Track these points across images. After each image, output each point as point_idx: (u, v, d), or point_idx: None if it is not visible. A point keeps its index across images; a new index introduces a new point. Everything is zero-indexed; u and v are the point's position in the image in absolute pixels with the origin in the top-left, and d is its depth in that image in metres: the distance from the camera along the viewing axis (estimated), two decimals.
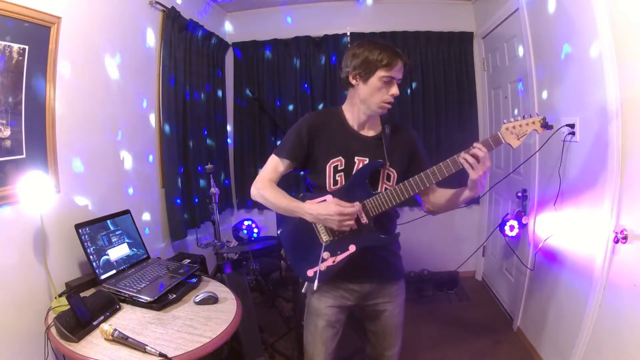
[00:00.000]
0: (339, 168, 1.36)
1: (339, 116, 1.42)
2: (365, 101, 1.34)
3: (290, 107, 3.31)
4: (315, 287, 1.36)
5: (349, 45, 1.37)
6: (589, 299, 1.68)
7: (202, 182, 2.73)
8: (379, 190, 1.37)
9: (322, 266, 1.36)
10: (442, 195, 1.43)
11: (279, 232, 1.51)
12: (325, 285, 1.41)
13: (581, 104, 1.79)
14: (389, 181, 1.39)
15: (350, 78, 1.34)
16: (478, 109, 3.27)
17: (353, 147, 1.37)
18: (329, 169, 1.37)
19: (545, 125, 1.26)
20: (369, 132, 1.42)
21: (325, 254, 1.36)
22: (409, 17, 3.20)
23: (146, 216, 2.25)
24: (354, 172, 1.36)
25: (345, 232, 1.33)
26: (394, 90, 1.32)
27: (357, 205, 1.29)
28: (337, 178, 1.37)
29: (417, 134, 1.50)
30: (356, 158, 1.37)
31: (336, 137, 1.38)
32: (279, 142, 1.43)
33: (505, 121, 1.28)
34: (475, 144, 1.25)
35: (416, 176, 1.30)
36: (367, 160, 1.36)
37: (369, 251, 1.37)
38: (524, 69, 2.39)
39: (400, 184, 1.31)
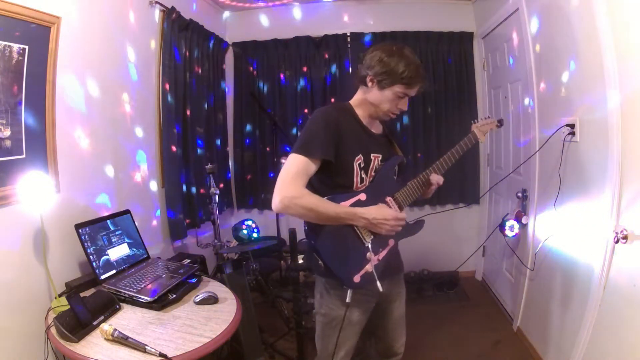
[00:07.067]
0: (362, 166, 1.34)
1: (351, 112, 1.39)
2: (374, 105, 1.36)
3: (290, 107, 3.30)
4: (381, 288, 1.29)
5: (375, 45, 1.35)
6: (589, 299, 1.68)
7: (202, 182, 2.73)
8: None
9: (370, 267, 1.30)
10: None
11: (314, 243, 1.33)
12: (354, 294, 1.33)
13: (581, 104, 1.79)
14: (395, 176, 1.45)
15: (368, 80, 1.33)
16: (478, 109, 3.27)
17: (369, 144, 1.37)
18: (356, 166, 1.32)
19: (499, 125, 1.61)
20: (377, 130, 1.45)
21: (369, 254, 1.31)
22: (409, 17, 3.20)
23: (146, 216, 2.25)
24: (370, 169, 1.36)
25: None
26: (404, 106, 1.36)
27: (397, 204, 1.36)
28: (362, 176, 1.35)
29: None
30: (372, 155, 1.37)
31: (354, 133, 1.35)
32: (300, 141, 1.28)
33: (473, 121, 1.56)
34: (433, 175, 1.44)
35: (437, 162, 1.43)
36: (380, 157, 1.38)
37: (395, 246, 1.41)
38: (524, 69, 2.39)
39: (424, 172, 1.42)
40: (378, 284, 1.29)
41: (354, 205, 1.28)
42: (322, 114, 1.32)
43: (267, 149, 3.35)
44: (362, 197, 1.31)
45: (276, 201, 1.21)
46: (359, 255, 1.30)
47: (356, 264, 1.30)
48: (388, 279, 1.44)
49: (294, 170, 1.23)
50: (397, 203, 1.36)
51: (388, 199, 1.35)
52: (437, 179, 1.43)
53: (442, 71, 3.22)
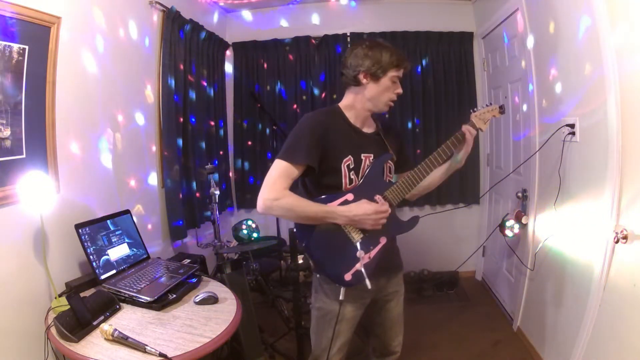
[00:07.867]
0: (351, 166, 1.36)
1: (340, 115, 1.42)
2: (374, 99, 1.38)
3: (290, 108, 3.31)
4: (369, 286, 1.30)
5: (351, 45, 1.41)
6: (589, 299, 1.68)
7: (202, 182, 2.73)
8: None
9: (360, 265, 1.31)
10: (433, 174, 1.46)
11: (305, 244, 1.38)
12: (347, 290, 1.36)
13: (581, 104, 1.79)
14: (390, 173, 1.45)
15: (361, 77, 1.35)
16: (478, 109, 3.26)
17: (359, 144, 1.39)
18: (344, 168, 1.35)
19: (502, 111, 1.55)
20: (369, 129, 1.45)
21: (359, 253, 1.31)
22: (409, 17, 3.20)
23: (146, 216, 2.25)
24: (362, 168, 1.37)
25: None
26: (400, 89, 1.39)
27: (387, 202, 1.35)
28: (351, 177, 1.36)
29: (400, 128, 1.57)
30: (362, 155, 1.38)
31: (343, 135, 1.38)
32: (284, 147, 1.34)
33: (472, 110, 1.52)
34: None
35: (430, 156, 1.39)
36: (371, 157, 1.39)
37: (389, 243, 1.41)
38: (524, 69, 2.39)
39: (416, 168, 1.39)
40: (367, 282, 1.30)
41: (341, 205, 1.32)
42: (308, 119, 1.37)
43: (267, 149, 3.35)
44: (350, 197, 1.33)
45: (259, 203, 1.29)
46: (349, 254, 1.32)
47: (347, 262, 1.32)
48: (386, 277, 1.46)
49: (276, 174, 1.29)
50: (387, 201, 1.36)
51: (377, 197, 1.34)
52: (467, 128, 1.47)
53: (442, 71, 3.22)
